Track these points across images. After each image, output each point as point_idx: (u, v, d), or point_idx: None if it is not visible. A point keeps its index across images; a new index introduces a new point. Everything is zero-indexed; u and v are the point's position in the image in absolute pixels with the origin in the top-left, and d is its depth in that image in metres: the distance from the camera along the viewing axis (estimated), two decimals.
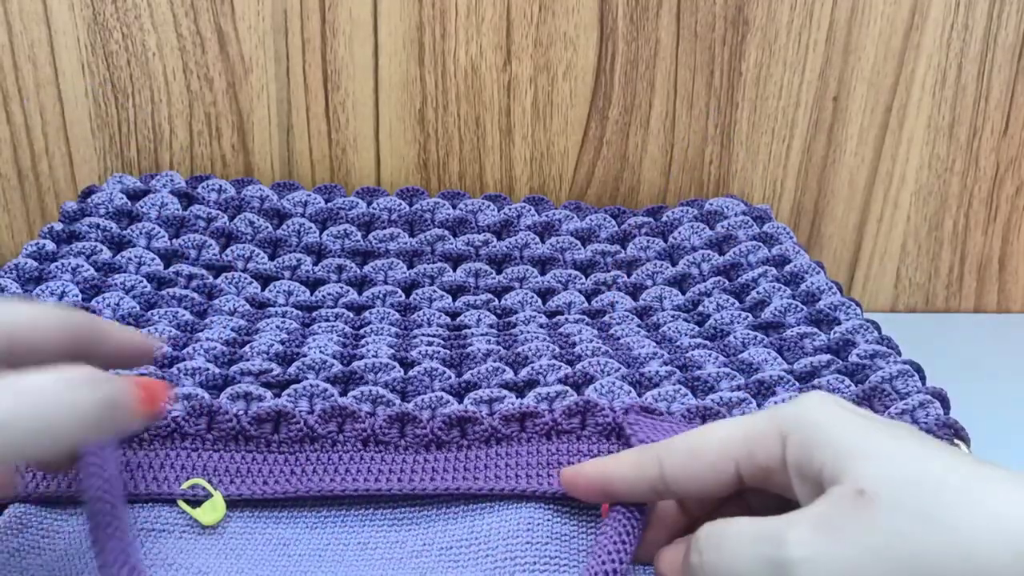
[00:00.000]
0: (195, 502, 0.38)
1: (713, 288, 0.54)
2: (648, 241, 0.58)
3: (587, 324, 0.51)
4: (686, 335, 0.50)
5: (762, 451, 0.30)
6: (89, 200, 0.55)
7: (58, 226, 0.53)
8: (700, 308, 0.53)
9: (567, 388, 0.42)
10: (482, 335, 0.49)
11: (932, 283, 0.66)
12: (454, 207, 0.59)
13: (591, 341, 0.47)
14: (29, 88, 0.59)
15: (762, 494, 0.32)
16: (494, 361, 0.45)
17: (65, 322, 0.30)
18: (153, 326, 0.47)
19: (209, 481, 0.39)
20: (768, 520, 0.28)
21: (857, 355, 0.45)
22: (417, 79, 0.59)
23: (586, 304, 0.54)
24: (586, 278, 0.56)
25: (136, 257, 0.52)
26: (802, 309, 0.50)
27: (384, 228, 0.57)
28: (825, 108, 0.61)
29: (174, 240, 0.54)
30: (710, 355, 0.46)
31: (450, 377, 0.44)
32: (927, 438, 0.29)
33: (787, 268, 0.54)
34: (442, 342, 0.47)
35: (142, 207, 0.55)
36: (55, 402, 0.26)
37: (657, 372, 0.44)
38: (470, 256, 0.56)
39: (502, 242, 0.57)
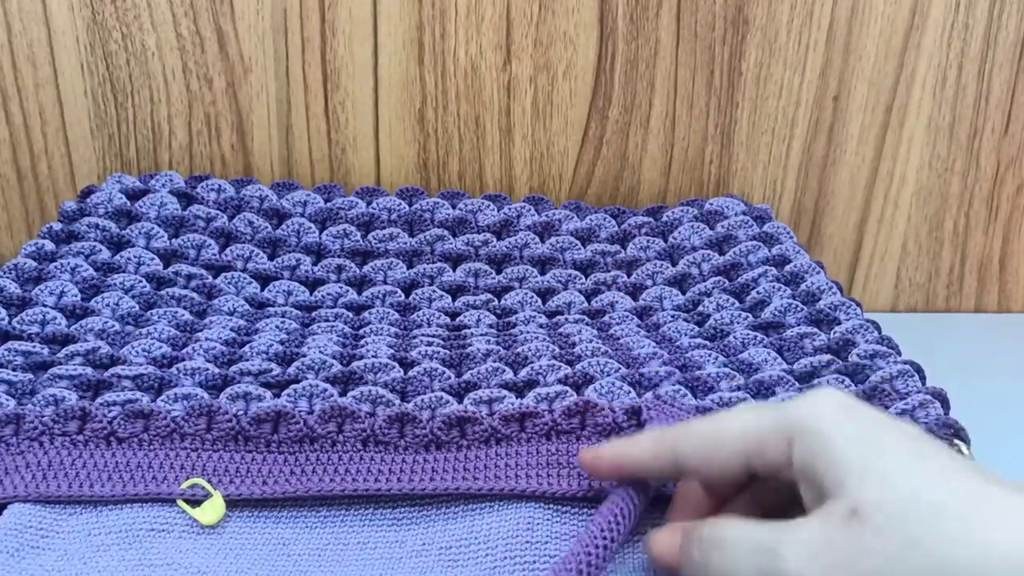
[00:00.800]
0: (195, 502, 0.38)
1: (713, 288, 0.54)
2: (648, 241, 0.58)
3: (587, 324, 0.51)
4: (686, 335, 0.50)
5: (771, 450, 0.31)
6: (88, 200, 0.55)
7: (57, 226, 0.53)
8: (700, 308, 0.53)
9: (567, 388, 0.42)
10: (482, 335, 0.49)
11: (932, 283, 0.66)
12: (454, 207, 0.59)
13: (591, 341, 0.47)
14: (28, 88, 0.59)
15: (774, 484, 0.32)
16: (494, 361, 0.45)
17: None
18: (152, 326, 0.47)
19: (209, 481, 0.39)
20: (766, 529, 0.29)
21: (857, 355, 0.45)
22: (417, 79, 0.59)
23: (586, 304, 0.54)
24: (586, 278, 0.56)
25: (135, 257, 0.52)
26: (802, 309, 0.50)
27: (384, 228, 0.57)
28: (825, 108, 0.61)
29: (173, 240, 0.54)
30: (710, 355, 0.46)
31: (450, 377, 0.43)
32: (931, 450, 0.29)
33: (787, 268, 0.54)
34: (442, 342, 0.47)
35: (141, 207, 0.55)
36: None
37: (657, 372, 0.44)
38: (470, 256, 0.56)
39: (502, 242, 0.57)
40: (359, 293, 0.54)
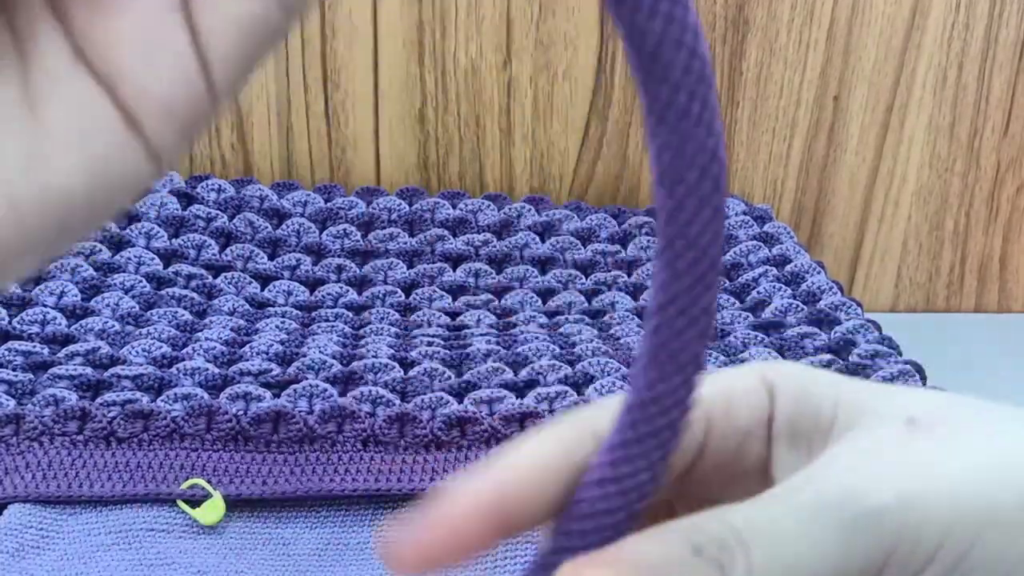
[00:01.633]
0: (195, 502, 0.38)
1: None
2: (648, 241, 0.58)
3: (587, 324, 0.51)
4: None
5: (744, 408, 0.22)
6: None
7: None
8: None
9: (567, 388, 0.42)
10: (482, 335, 0.49)
11: (933, 283, 0.66)
12: (454, 207, 0.59)
13: (591, 341, 0.47)
14: None
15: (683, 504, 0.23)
16: (494, 361, 0.44)
17: None
18: (152, 326, 0.47)
19: (209, 481, 0.38)
20: (814, 482, 0.20)
21: (858, 355, 0.45)
22: (417, 79, 0.59)
23: (586, 304, 0.54)
24: (586, 278, 0.56)
25: (135, 257, 0.52)
26: (803, 309, 0.50)
27: (384, 228, 0.57)
28: (826, 107, 0.61)
29: (173, 240, 0.54)
30: (710, 355, 0.46)
31: (450, 377, 0.43)
32: None
33: (788, 268, 0.54)
34: (442, 342, 0.47)
35: (141, 207, 0.55)
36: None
37: None
38: (470, 256, 0.56)
39: (502, 242, 0.57)
40: (359, 293, 0.54)
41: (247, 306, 0.52)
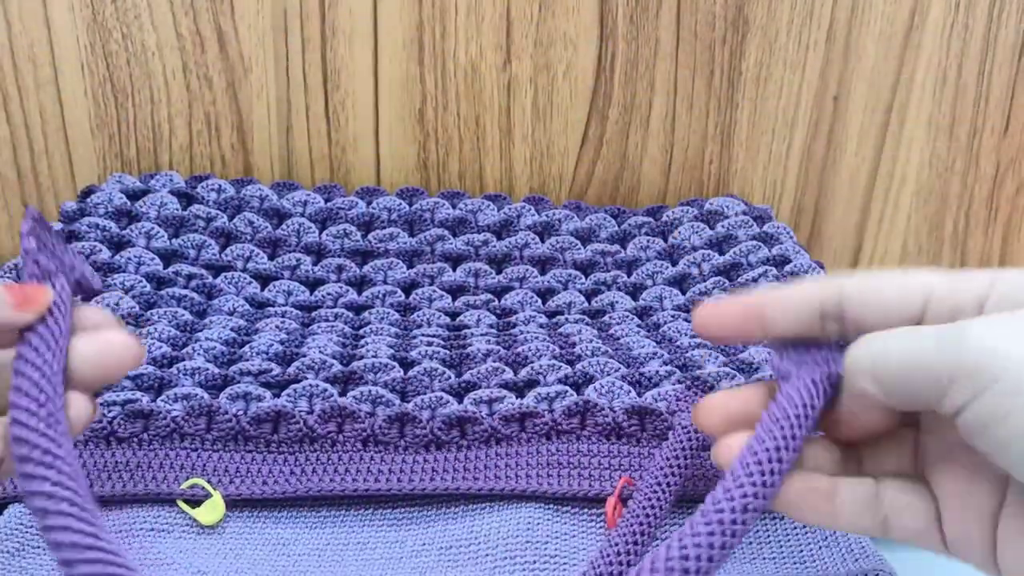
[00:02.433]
0: (195, 502, 0.38)
1: (713, 288, 0.54)
2: (648, 241, 0.58)
3: (587, 324, 0.51)
4: (686, 335, 0.50)
5: (961, 291, 0.25)
6: (88, 200, 0.55)
7: (58, 226, 0.53)
8: None
9: (567, 388, 0.42)
10: (482, 335, 0.49)
11: None
12: (454, 207, 0.59)
13: (591, 341, 0.47)
14: (28, 88, 0.59)
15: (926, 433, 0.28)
16: (494, 361, 0.45)
17: None
18: (153, 326, 0.47)
19: (208, 481, 0.39)
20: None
21: None
22: (417, 79, 0.59)
23: (586, 304, 0.54)
24: (586, 278, 0.56)
25: (136, 257, 0.52)
26: None
27: (384, 228, 0.57)
28: (825, 108, 0.61)
29: (173, 240, 0.54)
30: (710, 355, 0.46)
31: (450, 377, 0.43)
32: None
33: (787, 268, 0.54)
34: (442, 342, 0.47)
35: (141, 207, 0.55)
36: None
37: (657, 372, 0.44)
38: (470, 256, 0.56)
39: (502, 242, 0.57)
40: (359, 293, 0.54)
41: (247, 306, 0.52)
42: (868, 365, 0.25)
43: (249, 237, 0.56)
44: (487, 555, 0.36)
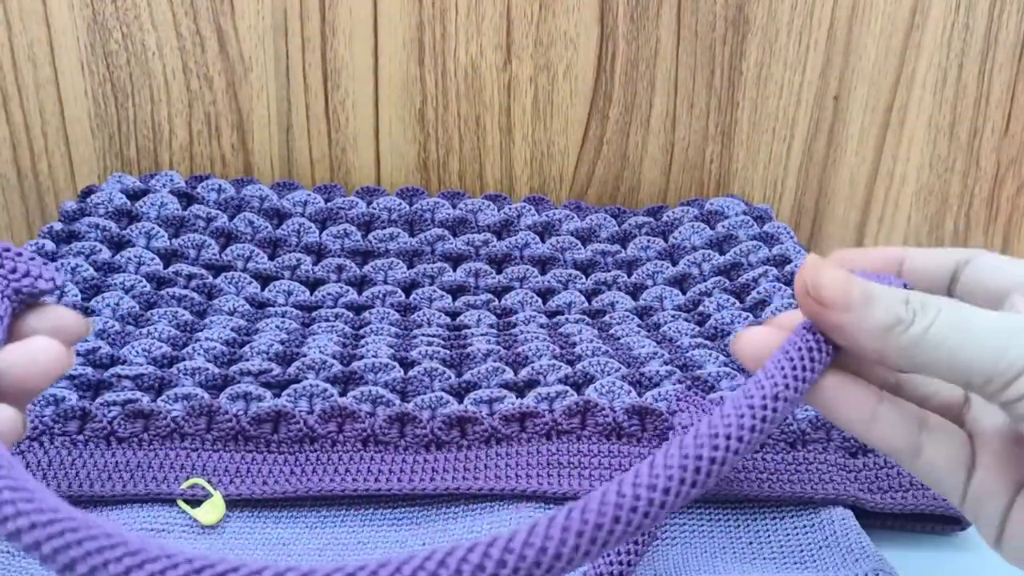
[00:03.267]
0: (195, 502, 0.38)
1: (714, 288, 0.54)
2: (648, 241, 0.58)
3: (587, 324, 0.51)
4: (686, 335, 0.50)
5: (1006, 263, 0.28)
6: (89, 200, 0.55)
7: (58, 226, 0.53)
8: (700, 308, 0.53)
9: (567, 388, 0.42)
10: (482, 335, 0.49)
11: None
12: (454, 207, 0.59)
13: (591, 341, 0.47)
14: (28, 88, 0.59)
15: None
16: (494, 361, 0.44)
17: None
18: (153, 326, 0.47)
19: (209, 481, 0.38)
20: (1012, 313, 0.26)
21: None
22: (417, 79, 0.59)
23: (586, 304, 0.54)
24: (586, 278, 0.56)
25: (136, 257, 0.52)
26: None
27: (384, 228, 0.57)
28: (826, 107, 0.61)
29: (174, 240, 0.54)
30: (710, 355, 0.46)
31: (450, 377, 0.43)
32: None
33: (788, 268, 0.54)
34: (442, 342, 0.47)
35: (142, 207, 0.55)
36: None
37: (657, 372, 0.44)
38: (470, 256, 0.56)
39: (502, 242, 0.57)
40: (359, 293, 0.54)
41: (247, 306, 0.52)
42: (919, 349, 0.25)
43: (249, 237, 0.56)
44: None
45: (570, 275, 0.56)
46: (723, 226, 0.57)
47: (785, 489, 0.39)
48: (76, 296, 0.49)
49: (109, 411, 0.40)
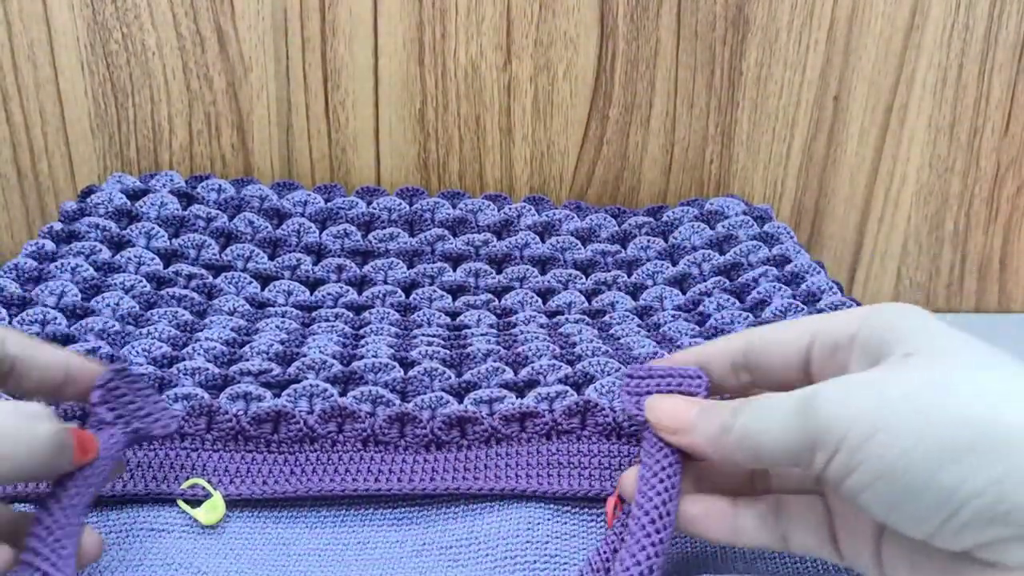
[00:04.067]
0: (195, 502, 0.38)
1: (714, 288, 0.54)
2: (648, 241, 0.58)
3: (587, 324, 0.51)
4: (686, 335, 0.49)
5: (839, 328, 0.30)
6: (89, 200, 0.55)
7: (58, 226, 0.53)
8: (700, 308, 0.53)
9: (567, 388, 0.42)
10: (482, 335, 0.49)
11: (933, 283, 0.66)
12: (454, 207, 0.59)
13: (591, 341, 0.47)
14: (29, 88, 0.59)
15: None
16: (494, 361, 0.44)
17: None
18: (153, 326, 0.47)
19: (209, 481, 0.38)
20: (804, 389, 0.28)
21: None
22: (417, 79, 0.59)
23: (586, 304, 0.54)
24: (586, 278, 0.56)
25: (136, 257, 0.52)
26: (803, 309, 0.50)
27: (384, 228, 0.57)
28: (826, 108, 0.61)
29: (174, 240, 0.54)
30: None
31: (450, 377, 0.43)
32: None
33: (788, 268, 0.54)
34: (442, 342, 0.47)
35: (142, 207, 0.55)
36: (14, 436, 0.27)
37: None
38: (470, 256, 0.56)
39: (502, 242, 0.57)
40: (359, 293, 0.54)
41: (247, 306, 0.52)
42: (739, 446, 0.29)
43: (249, 237, 0.56)
44: (487, 555, 0.36)
45: (570, 275, 0.56)
46: (723, 226, 0.57)
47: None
48: (76, 296, 0.49)
49: None
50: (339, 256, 0.56)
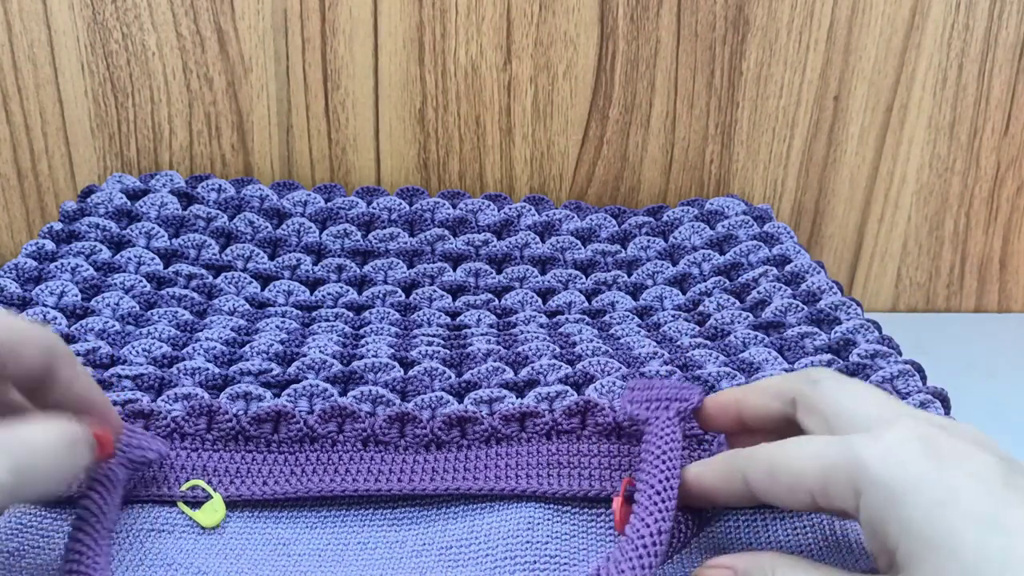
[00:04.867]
0: (195, 503, 0.38)
1: (714, 288, 0.54)
2: (648, 241, 0.58)
3: (587, 324, 0.51)
4: (686, 335, 0.50)
5: (837, 497, 0.28)
6: (89, 200, 0.55)
7: (58, 226, 0.53)
8: (701, 308, 0.53)
9: (567, 388, 0.42)
10: (482, 335, 0.49)
11: (933, 283, 0.66)
12: (454, 207, 0.59)
13: (591, 341, 0.47)
14: (29, 88, 0.59)
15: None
16: (494, 361, 0.45)
17: (46, 350, 0.32)
18: (153, 326, 0.47)
19: (209, 482, 0.38)
20: None
21: (858, 355, 0.45)
22: (417, 78, 0.59)
23: (586, 304, 0.54)
24: (586, 278, 0.56)
25: (136, 257, 0.52)
26: (803, 309, 0.50)
27: (384, 228, 0.57)
28: (826, 107, 0.61)
29: (174, 240, 0.54)
30: (710, 355, 0.46)
31: (450, 377, 0.43)
32: (1017, 503, 0.25)
33: (788, 268, 0.54)
34: (442, 342, 0.47)
35: (142, 207, 0.55)
36: (58, 462, 0.29)
37: (657, 372, 0.44)
38: (470, 256, 0.56)
39: (502, 242, 0.57)
40: (359, 293, 0.54)
41: (247, 306, 0.52)
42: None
43: (249, 237, 0.56)
44: (487, 555, 0.36)
45: (570, 275, 0.56)
46: (723, 226, 0.57)
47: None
48: (76, 296, 0.49)
49: None
50: (339, 256, 0.56)
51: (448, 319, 0.52)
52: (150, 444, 0.37)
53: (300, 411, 0.41)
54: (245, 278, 0.53)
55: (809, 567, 0.29)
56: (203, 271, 0.53)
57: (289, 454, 0.40)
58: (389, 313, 0.52)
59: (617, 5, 0.58)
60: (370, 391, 0.42)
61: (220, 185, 0.57)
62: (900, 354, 0.46)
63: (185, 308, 0.50)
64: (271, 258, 0.55)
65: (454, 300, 0.54)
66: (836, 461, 0.28)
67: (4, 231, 0.63)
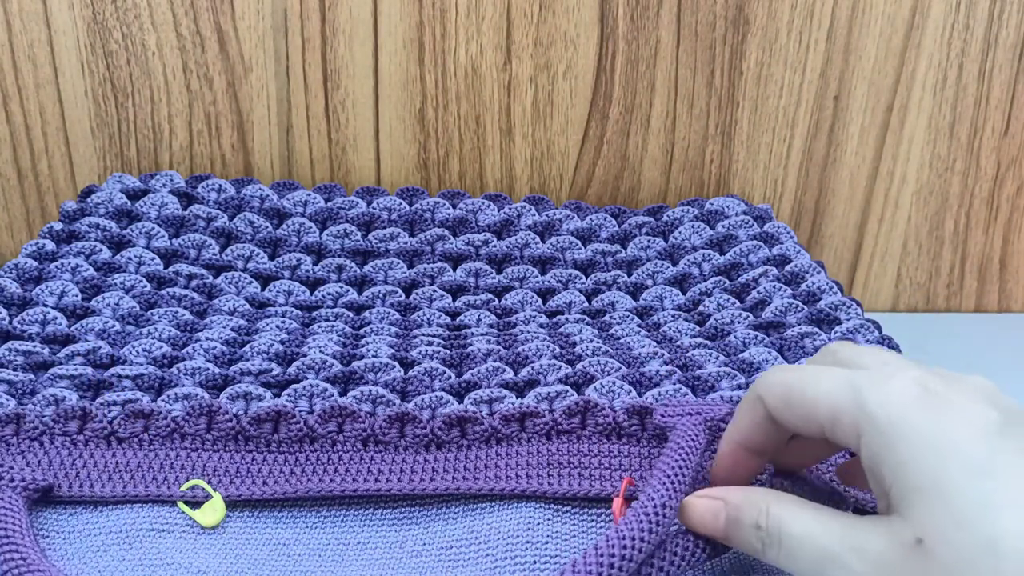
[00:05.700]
0: (195, 503, 0.38)
1: (714, 288, 0.54)
2: (648, 241, 0.58)
3: (587, 324, 0.51)
4: (686, 335, 0.50)
5: (842, 435, 0.29)
6: (89, 200, 0.55)
7: (58, 226, 0.53)
8: (701, 308, 0.53)
9: (567, 388, 0.42)
10: (482, 335, 0.49)
11: (933, 283, 0.66)
12: (454, 207, 0.59)
13: (591, 341, 0.47)
14: (29, 88, 0.59)
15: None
16: (494, 361, 0.45)
17: None
18: (153, 326, 0.47)
19: (209, 482, 0.38)
20: (833, 534, 0.28)
21: None
22: (417, 78, 0.59)
23: (586, 304, 0.54)
24: (586, 278, 0.56)
25: (136, 257, 0.52)
26: (803, 309, 0.50)
27: (384, 228, 0.57)
28: (826, 107, 0.61)
29: (174, 240, 0.54)
30: (710, 355, 0.46)
31: (450, 377, 0.43)
32: (1012, 450, 0.26)
33: (788, 268, 0.54)
34: (442, 342, 0.47)
35: (142, 207, 0.55)
36: None
37: (657, 372, 0.44)
38: (470, 256, 0.56)
39: (502, 242, 0.57)
40: (359, 293, 0.54)
41: (247, 306, 0.52)
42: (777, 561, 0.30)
43: (249, 237, 0.56)
44: (487, 555, 0.36)
45: (570, 275, 0.56)
46: (723, 226, 0.57)
47: (786, 487, 0.39)
48: (76, 296, 0.49)
49: (109, 411, 0.40)
50: (339, 256, 0.56)
51: (448, 319, 0.52)
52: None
53: (300, 411, 0.41)
54: (245, 278, 0.53)
55: (804, 504, 0.30)
56: (203, 271, 0.53)
57: (289, 454, 0.40)
58: (389, 313, 0.52)
59: (617, 5, 0.58)
60: (370, 391, 0.42)
61: (220, 185, 0.57)
62: (900, 354, 0.46)
63: (185, 308, 0.50)
64: (271, 258, 0.55)
65: (454, 300, 0.54)
66: (843, 402, 0.29)
67: (4, 231, 0.63)
